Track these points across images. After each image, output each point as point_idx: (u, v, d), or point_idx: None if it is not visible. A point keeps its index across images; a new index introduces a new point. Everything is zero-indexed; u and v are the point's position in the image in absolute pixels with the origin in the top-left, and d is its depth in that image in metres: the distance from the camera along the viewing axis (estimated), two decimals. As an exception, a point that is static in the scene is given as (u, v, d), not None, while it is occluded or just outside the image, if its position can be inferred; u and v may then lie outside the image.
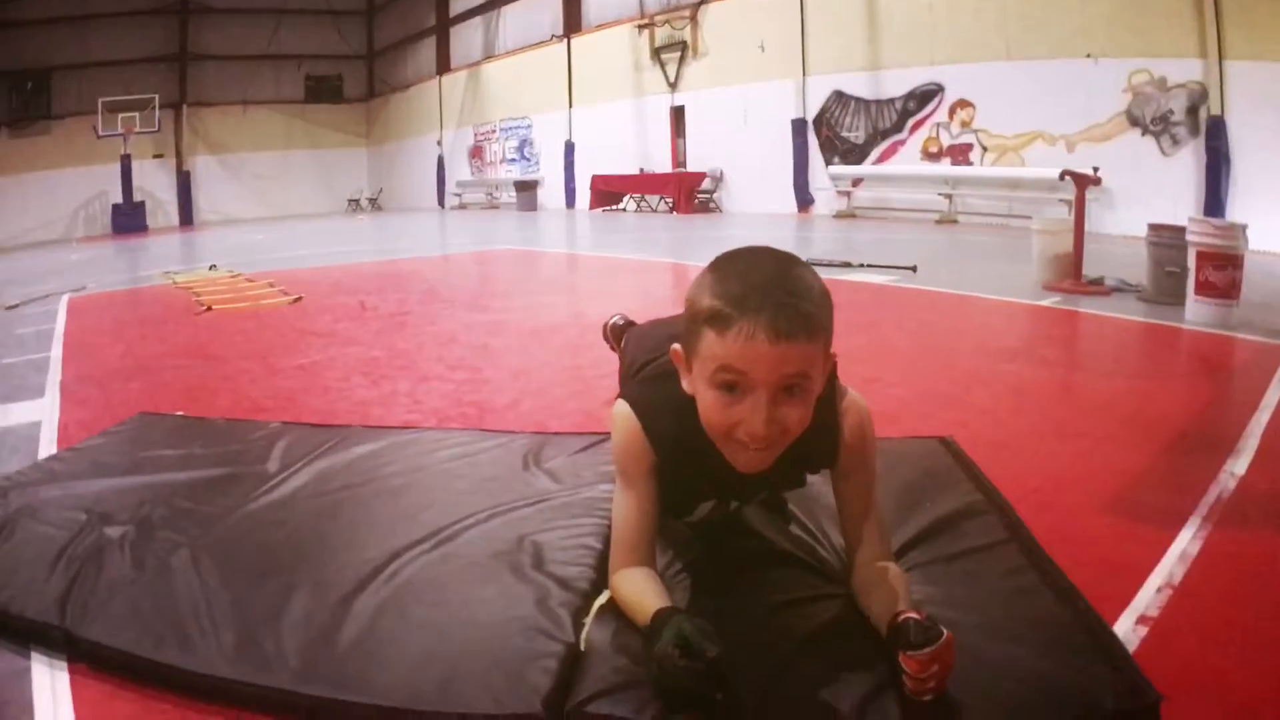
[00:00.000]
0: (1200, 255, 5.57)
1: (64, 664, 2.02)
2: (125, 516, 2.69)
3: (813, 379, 1.73)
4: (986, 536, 2.32)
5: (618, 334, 4.02)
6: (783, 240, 12.23)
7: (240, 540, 2.53)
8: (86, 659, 2.01)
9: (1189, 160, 11.03)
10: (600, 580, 2.13)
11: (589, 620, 2.00)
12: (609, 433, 3.17)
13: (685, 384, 1.82)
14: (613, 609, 2.00)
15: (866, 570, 1.95)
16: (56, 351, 6.17)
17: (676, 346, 1.82)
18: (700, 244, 12.62)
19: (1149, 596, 2.14)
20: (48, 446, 3.83)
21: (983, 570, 2.15)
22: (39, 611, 2.13)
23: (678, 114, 19.79)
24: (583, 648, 1.90)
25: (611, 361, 5.41)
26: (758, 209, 17.31)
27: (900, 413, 3.76)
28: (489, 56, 26.88)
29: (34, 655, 2.05)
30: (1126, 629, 1.98)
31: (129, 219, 26.93)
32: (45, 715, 1.84)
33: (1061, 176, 7.93)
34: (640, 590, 1.90)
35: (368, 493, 2.89)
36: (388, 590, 2.18)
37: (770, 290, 1.67)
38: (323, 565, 2.33)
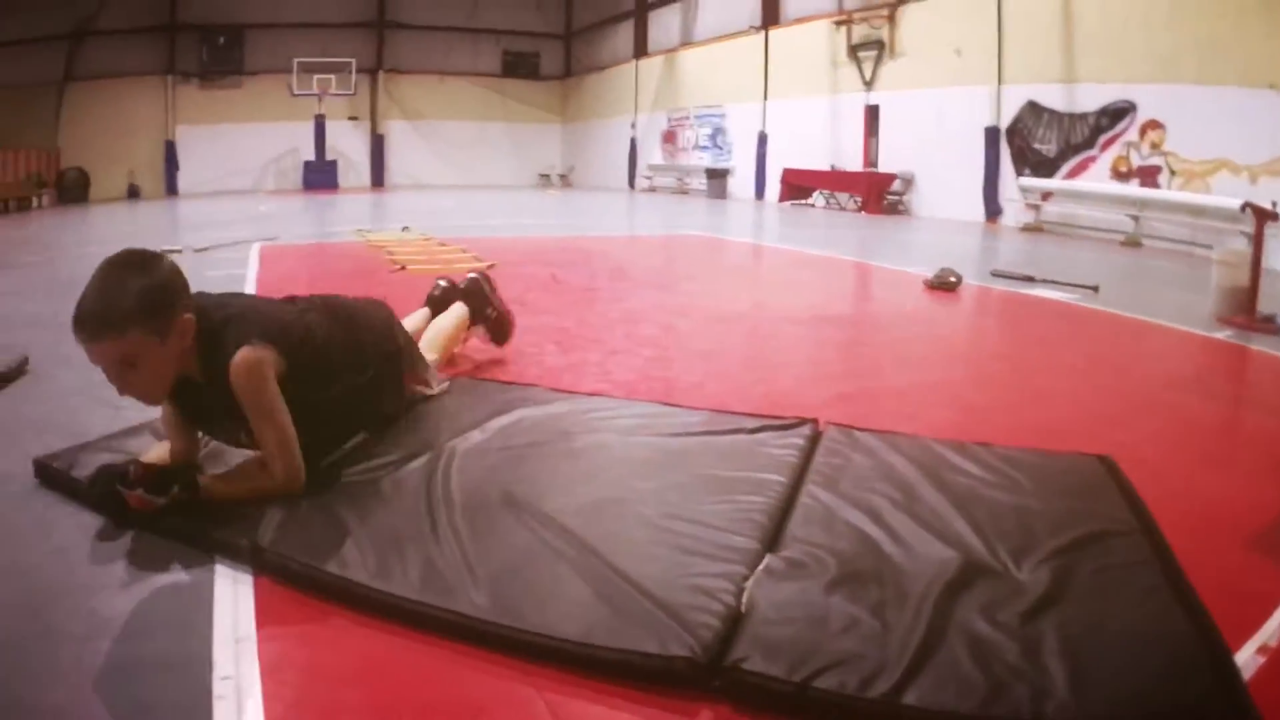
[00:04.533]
0: (1382, 304, 5.36)
1: (249, 575, 2.40)
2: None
3: (143, 355, 2.43)
4: (1132, 555, 2.42)
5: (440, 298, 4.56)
6: (967, 249, 12.09)
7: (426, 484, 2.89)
8: (272, 572, 2.39)
9: (1376, 207, 10.40)
10: (763, 549, 2.36)
11: (749, 585, 2.19)
12: (785, 417, 3.52)
13: None
14: (776, 573, 2.23)
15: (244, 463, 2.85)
16: (247, 297, 6.59)
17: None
18: (886, 246, 12.47)
19: (1274, 627, 2.18)
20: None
21: (1121, 584, 2.26)
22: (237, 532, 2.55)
23: (872, 113, 19.54)
24: (743, 610, 2.09)
25: (790, 350, 5.57)
26: (945, 215, 16.99)
27: (1066, 428, 3.85)
28: (685, 43, 27.05)
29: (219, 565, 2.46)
30: (1246, 656, 2.05)
31: (320, 176, 28.17)
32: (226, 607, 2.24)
33: (1242, 208, 7.66)
34: None
35: (553, 451, 3.19)
36: (565, 540, 2.45)
37: (81, 303, 2.36)
38: (508, 513, 2.64)
